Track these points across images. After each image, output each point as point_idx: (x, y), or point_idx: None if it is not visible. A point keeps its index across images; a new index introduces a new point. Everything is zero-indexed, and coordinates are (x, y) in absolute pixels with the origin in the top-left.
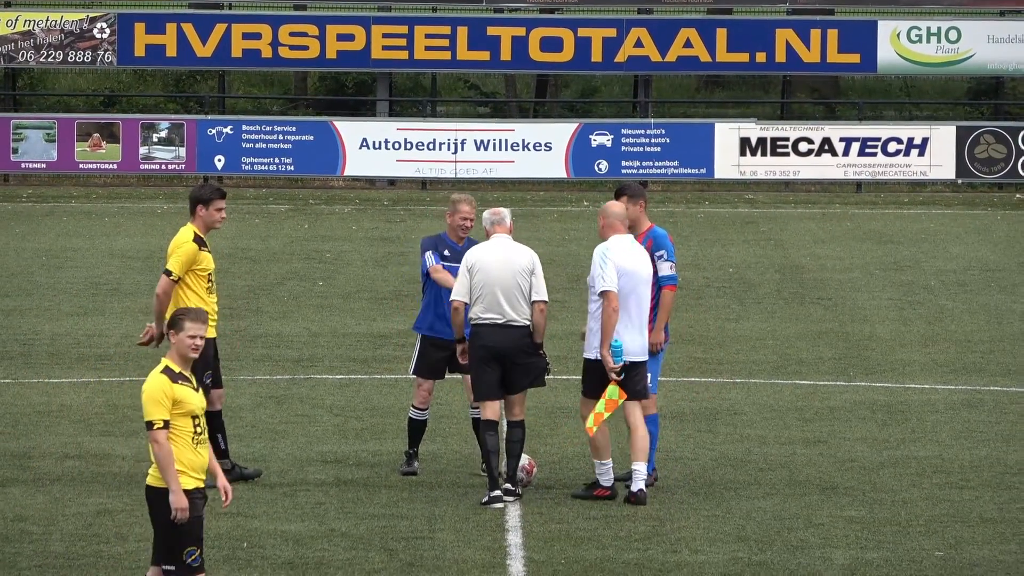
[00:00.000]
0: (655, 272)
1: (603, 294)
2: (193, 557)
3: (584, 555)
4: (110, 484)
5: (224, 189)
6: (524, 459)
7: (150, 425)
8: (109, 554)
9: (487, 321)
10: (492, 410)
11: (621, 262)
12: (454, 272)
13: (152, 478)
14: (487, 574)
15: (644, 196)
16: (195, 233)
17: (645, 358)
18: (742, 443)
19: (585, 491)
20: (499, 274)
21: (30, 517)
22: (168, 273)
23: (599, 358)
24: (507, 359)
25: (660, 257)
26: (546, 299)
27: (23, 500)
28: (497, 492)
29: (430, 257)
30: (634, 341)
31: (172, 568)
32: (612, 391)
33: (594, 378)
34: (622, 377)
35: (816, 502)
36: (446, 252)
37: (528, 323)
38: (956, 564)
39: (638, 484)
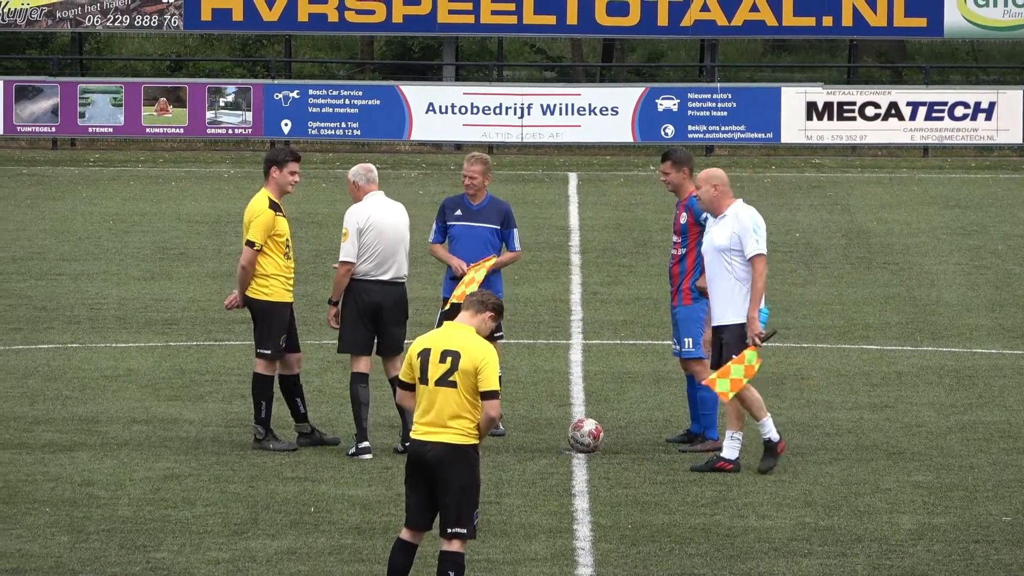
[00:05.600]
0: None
1: (757, 258)
2: (478, 520)
3: (651, 520)
4: (177, 449)
5: (298, 152)
6: (591, 424)
7: (498, 394)
8: (176, 519)
9: (374, 278)
10: (365, 363)
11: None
12: (465, 231)
13: (466, 438)
14: (554, 538)
15: (691, 163)
16: (270, 199)
17: None
18: (809, 408)
19: (706, 465)
20: (389, 231)
21: (98, 482)
22: (251, 244)
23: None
24: (385, 315)
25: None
26: None
27: (91, 465)
28: (366, 444)
29: (432, 233)
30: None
31: (464, 531)
32: (751, 357)
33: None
34: (763, 344)
35: (883, 467)
36: (458, 212)
37: (404, 280)
38: (1023, 529)
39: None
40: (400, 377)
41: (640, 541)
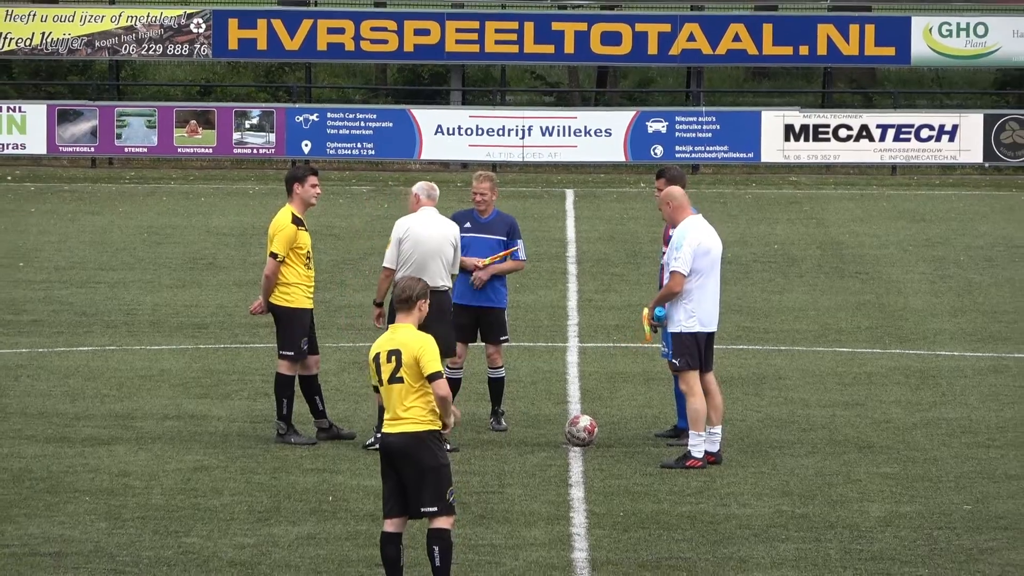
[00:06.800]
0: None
1: (672, 273)
2: (453, 497)
3: (641, 508)
4: (206, 443)
5: (315, 167)
6: (586, 420)
7: (440, 374)
8: (205, 507)
9: None
10: None
11: (700, 242)
12: (475, 241)
13: (420, 424)
14: (552, 526)
15: (684, 180)
16: (293, 215)
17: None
18: (786, 406)
19: (676, 462)
20: (426, 243)
21: (133, 472)
22: (274, 256)
23: (686, 330)
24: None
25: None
26: (456, 269)
27: (127, 457)
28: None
29: None
30: (713, 314)
31: (435, 509)
32: (648, 329)
33: (691, 349)
34: (650, 334)
35: (854, 460)
36: (467, 224)
37: (445, 290)
38: (983, 517)
39: (715, 445)
40: (370, 381)
41: (631, 527)
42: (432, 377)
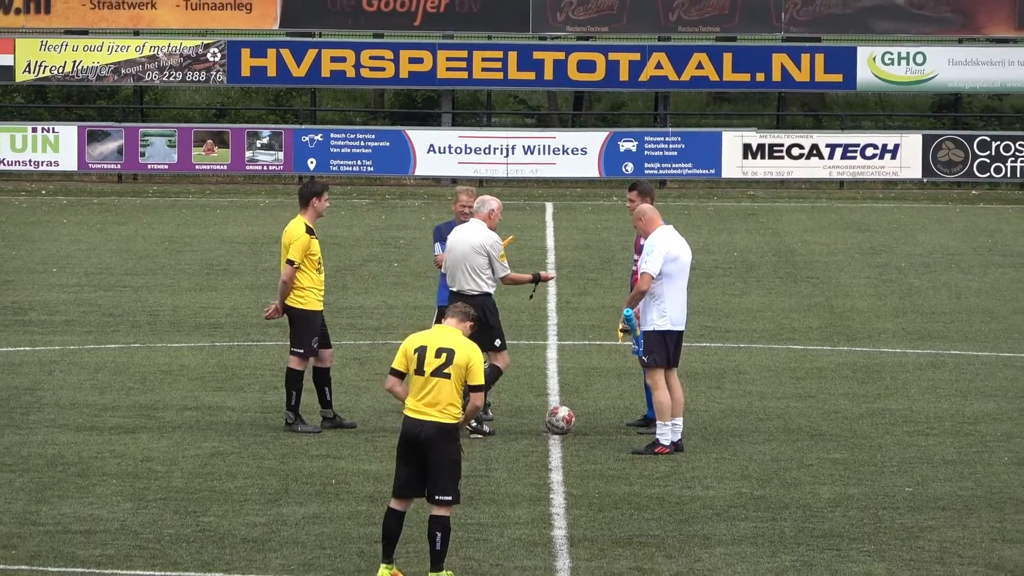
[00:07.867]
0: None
1: (642, 274)
2: (462, 488)
3: (615, 490)
4: (222, 431)
5: (327, 184)
6: (564, 410)
7: (482, 387)
8: (221, 489)
9: (451, 289)
10: None
11: (669, 249)
12: None
13: (451, 418)
14: (534, 506)
15: (653, 193)
16: (306, 225)
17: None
18: (745, 398)
19: (646, 449)
20: (452, 249)
21: (155, 458)
22: (291, 263)
23: (658, 328)
24: None
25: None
26: (502, 275)
27: (150, 444)
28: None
29: (436, 247)
30: (682, 315)
31: (448, 498)
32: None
33: (660, 347)
34: (621, 334)
35: (807, 446)
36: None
37: (475, 294)
38: (923, 498)
39: (677, 435)
40: (394, 366)
41: (605, 508)
42: (475, 388)
